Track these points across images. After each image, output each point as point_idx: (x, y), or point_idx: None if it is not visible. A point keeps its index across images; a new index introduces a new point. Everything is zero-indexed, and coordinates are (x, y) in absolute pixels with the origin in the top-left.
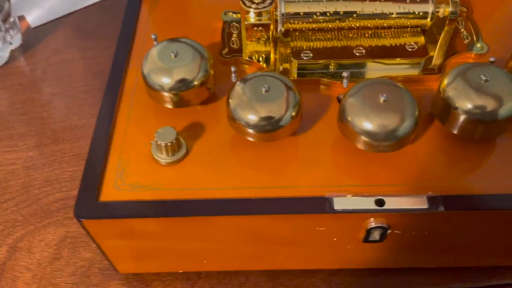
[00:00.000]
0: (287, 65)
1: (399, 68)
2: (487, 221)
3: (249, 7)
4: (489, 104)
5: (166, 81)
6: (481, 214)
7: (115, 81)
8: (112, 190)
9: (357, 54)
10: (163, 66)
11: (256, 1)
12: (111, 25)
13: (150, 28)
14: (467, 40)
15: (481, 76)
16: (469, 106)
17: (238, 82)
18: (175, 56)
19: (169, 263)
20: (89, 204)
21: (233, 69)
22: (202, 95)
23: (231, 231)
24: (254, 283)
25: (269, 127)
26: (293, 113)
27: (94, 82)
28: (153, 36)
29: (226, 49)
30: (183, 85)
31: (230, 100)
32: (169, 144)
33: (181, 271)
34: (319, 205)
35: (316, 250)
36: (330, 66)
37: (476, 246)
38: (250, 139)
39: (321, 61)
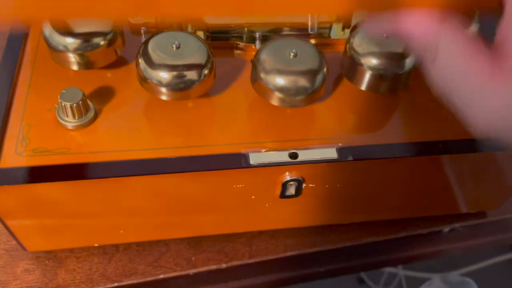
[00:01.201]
0: (201, 32)
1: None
2: (394, 170)
3: None
4: (392, 59)
5: (70, 41)
6: (387, 162)
7: (14, 47)
8: (13, 156)
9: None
10: (66, 26)
11: None
12: None
13: None
14: None
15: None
16: (373, 62)
17: (148, 40)
18: None
19: (83, 237)
20: None
21: (143, 29)
22: (110, 57)
23: (146, 195)
24: (176, 252)
25: (182, 85)
26: (206, 71)
27: None
28: None
29: None
30: (88, 45)
31: (140, 59)
32: (74, 105)
33: (97, 245)
34: (235, 161)
35: (236, 212)
36: (243, 31)
37: (385, 199)
38: (163, 97)
39: (233, 25)
